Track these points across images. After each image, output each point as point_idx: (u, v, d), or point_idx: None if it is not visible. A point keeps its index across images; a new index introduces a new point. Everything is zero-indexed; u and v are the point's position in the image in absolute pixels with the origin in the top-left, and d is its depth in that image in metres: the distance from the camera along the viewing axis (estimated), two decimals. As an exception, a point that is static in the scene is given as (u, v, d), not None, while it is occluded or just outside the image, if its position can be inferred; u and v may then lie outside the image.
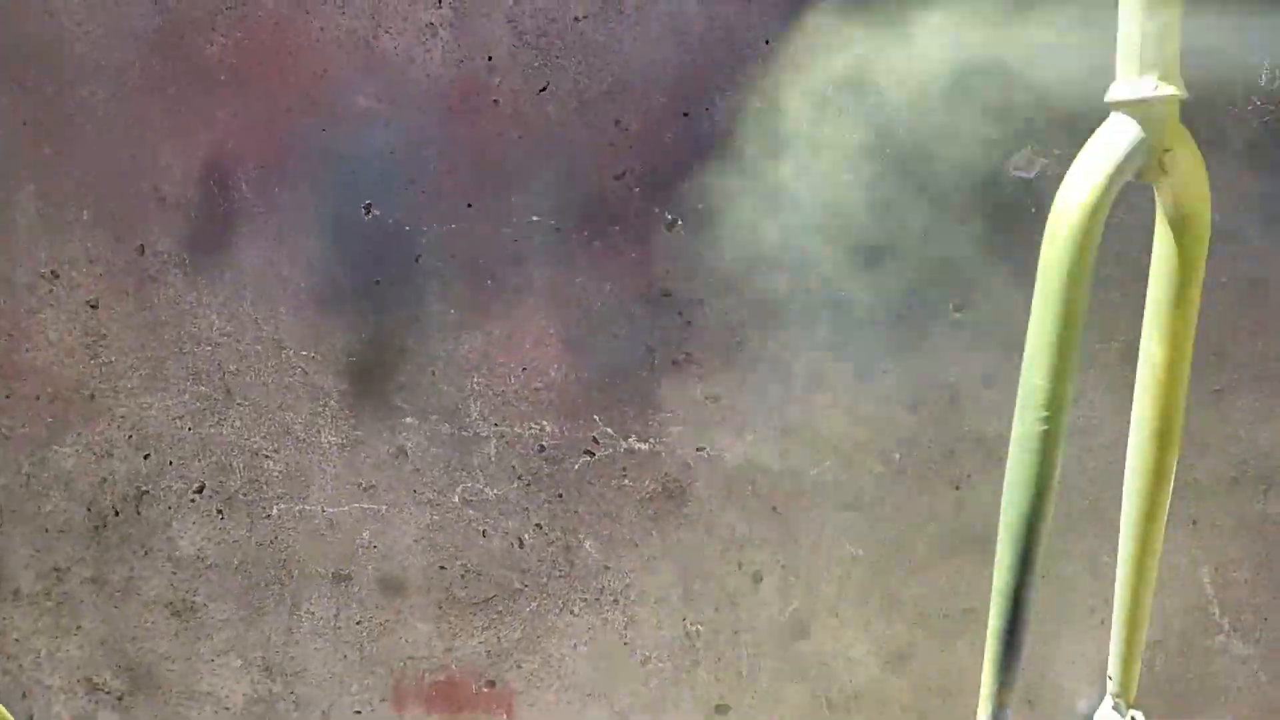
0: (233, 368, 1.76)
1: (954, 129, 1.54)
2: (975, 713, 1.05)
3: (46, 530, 1.87)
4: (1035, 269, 0.80)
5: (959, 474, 1.65)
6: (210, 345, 1.75)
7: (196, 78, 1.65)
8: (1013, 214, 1.56)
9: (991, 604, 0.92)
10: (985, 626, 1.66)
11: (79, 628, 1.90)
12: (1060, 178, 0.79)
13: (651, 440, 1.69)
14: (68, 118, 1.69)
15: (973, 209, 1.57)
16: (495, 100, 1.60)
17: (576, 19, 1.57)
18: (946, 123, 1.54)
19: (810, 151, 1.57)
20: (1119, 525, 1.01)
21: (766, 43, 1.53)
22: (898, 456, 1.65)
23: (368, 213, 1.67)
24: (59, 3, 1.65)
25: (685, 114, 1.57)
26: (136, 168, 1.70)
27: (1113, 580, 1.04)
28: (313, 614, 1.82)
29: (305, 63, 1.62)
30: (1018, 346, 0.81)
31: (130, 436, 1.80)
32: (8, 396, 1.83)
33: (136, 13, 1.63)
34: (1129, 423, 0.94)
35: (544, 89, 1.58)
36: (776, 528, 1.69)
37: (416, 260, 1.68)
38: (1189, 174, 0.79)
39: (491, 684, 1.81)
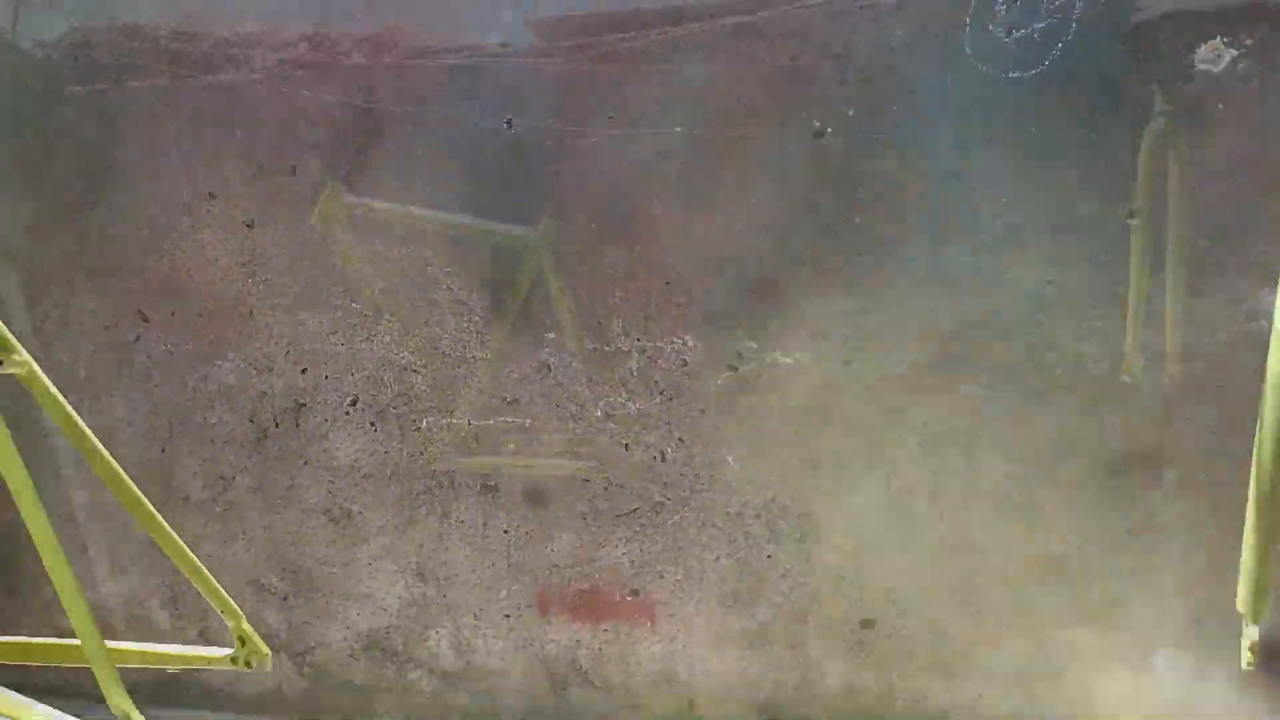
0: (381, 285, 1.80)
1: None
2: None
3: (212, 441, 1.97)
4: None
5: (1124, 389, 1.57)
6: (360, 263, 1.79)
7: (341, -5, 1.66)
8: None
9: (1249, 503, 0.91)
10: (1145, 550, 1.60)
11: (244, 533, 2.01)
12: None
13: (797, 354, 1.66)
14: (222, 41, 1.73)
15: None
16: (636, 9, 1.56)
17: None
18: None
19: (955, 60, 1.49)
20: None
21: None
22: (1059, 371, 1.58)
23: (510, 127, 1.66)
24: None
25: (837, 13, 1.50)
26: (286, 91, 1.73)
27: None
28: (462, 523, 1.88)
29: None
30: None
31: (287, 352, 1.87)
32: (172, 314, 1.92)
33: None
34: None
35: (689, -8, 1.54)
36: (925, 444, 1.66)
37: (557, 175, 1.67)
38: None
39: (635, 593, 1.85)
